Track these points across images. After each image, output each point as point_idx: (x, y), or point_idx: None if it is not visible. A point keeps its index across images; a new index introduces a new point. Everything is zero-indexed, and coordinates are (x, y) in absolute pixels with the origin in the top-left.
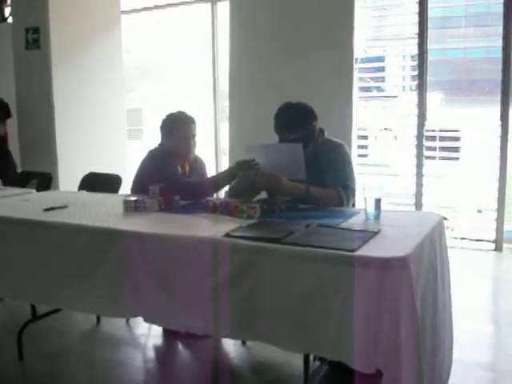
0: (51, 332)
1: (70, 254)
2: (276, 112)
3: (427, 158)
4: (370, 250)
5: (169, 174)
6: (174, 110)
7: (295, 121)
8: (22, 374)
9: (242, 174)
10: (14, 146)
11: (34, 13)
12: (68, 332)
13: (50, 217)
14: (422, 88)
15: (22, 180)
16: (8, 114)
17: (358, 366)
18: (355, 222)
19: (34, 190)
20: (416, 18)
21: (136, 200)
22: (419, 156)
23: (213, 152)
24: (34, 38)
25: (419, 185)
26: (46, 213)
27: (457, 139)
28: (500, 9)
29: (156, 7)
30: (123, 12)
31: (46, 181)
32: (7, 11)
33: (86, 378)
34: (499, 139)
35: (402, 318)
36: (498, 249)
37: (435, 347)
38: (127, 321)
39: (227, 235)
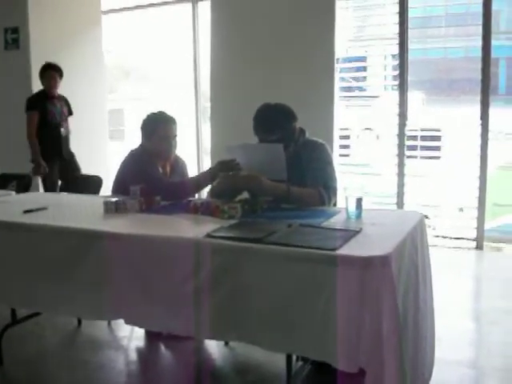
0: (32, 336)
1: (50, 256)
2: (254, 114)
3: (409, 157)
4: (351, 249)
5: (150, 174)
6: (154, 110)
7: (273, 122)
8: (2, 379)
9: (224, 175)
10: None
11: (13, 13)
12: (49, 335)
13: (29, 218)
14: (402, 88)
15: (0, 182)
16: (71, 112)
17: (341, 366)
18: (337, 222)
19: (13, 192)
20: (396, 18)
21: (116, 201)
22: (400, 155)
23: (195, 152)
24: (14, 38)
25: (401, 184)
26: (25, 215)
27: (438, 138)
28: (479, 9)
29: (137, 7)
30: (104, 12)
31: (25, 183)
32: None
33: (67, 381)
34: (479, 138)
35: (384, 316)
36: (479, 247)
37: (417, 345)
38: (109, 323)
39: (208, 235)
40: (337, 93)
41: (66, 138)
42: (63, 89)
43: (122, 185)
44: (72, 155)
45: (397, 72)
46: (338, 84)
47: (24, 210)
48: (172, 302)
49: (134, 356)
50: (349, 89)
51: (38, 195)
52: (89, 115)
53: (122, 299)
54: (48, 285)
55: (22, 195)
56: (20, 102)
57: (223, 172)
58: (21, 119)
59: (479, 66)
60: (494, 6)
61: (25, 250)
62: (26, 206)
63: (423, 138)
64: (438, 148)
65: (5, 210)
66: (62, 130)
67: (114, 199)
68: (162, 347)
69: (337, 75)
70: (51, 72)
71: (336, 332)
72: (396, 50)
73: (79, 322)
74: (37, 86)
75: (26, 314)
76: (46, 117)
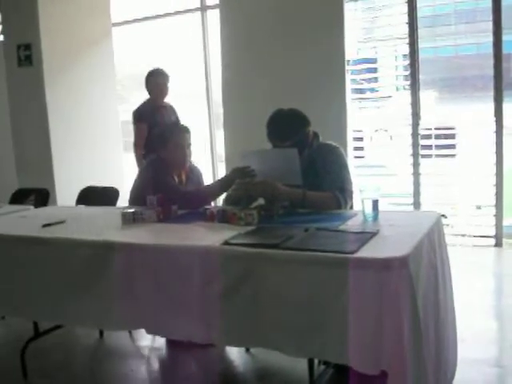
0: (54, 348)
1: (70, 269)
2: (267, 120)
3: (423, 156)
4: (368, 252)
5: (165, 183)
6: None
7: (287, 128)
8: None
9: (239, 182)
10: (10, 163)
11: (25, 29)
12: (71, 347)
13: (48, 232)
14: (414, 87)
15: (19, 197)
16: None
17: (362, 368)
18: (353, 224)
19: (31, 207)
20: (405, 18)
21: (134, 212)
22: (415, 155)
23: (209, 160)
24: (26, 55)
25: (416, 184)
26: (44, 229)
27: (452, 136)
28: (489, 4)
29: (146, 18)
30: (114, 24)
31: (43, 197)
32: None
33: None
34: (494, 134)
35: (404, 317)
36: (498, 244)
37: (439, 345)
38: (130, 333)
39: (226, 243)
40: (348, 95)
41: None
42: (76, 102)
43: (138, 195)
44: None
45: (408, 72)
46: (349, 86)
47: (43, 224)
48: (192, 310)
49: (156, 365)
50: (360, 90)
51: (56, 209)
52: (102, 127)
53: (142, 309)
54: (68, 297)
55: (41, 209)
56: (34, 117)
57: (238, 179)
58: (36, 135)
59: (491, 62)
60: (504, 1)
61: (44, 263)
62: (44, 220)
63: (437, 137)
64: (452, 146)
65: (24, 224)
66: None
67: (131, 210)
68: (184, 355)
69: (348, 77)
70: (160, 78)
71: (356, 335)
72: (406, 49)
73: (101, 333)
74: (50, 99)
75: (48, 327)
76: (157, 128)
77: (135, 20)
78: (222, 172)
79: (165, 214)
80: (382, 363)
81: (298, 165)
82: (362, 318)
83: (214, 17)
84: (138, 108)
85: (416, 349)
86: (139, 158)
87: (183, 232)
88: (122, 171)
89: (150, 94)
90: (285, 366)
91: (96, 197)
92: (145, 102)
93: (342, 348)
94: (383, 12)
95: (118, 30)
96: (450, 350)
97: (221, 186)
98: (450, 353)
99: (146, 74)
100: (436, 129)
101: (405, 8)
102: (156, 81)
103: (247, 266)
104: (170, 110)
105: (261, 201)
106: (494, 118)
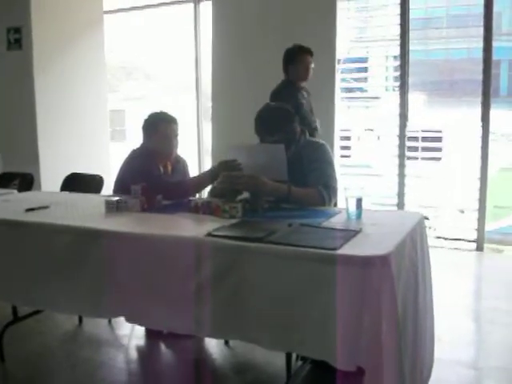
0: (33, 333)
1: (52, 255)
2: (256, 115)
3: (409, 158)
4: (351, 249)
5: (151, 173)
6: (156, 110)
7: (275, 123)
8: (3, 377)
9: (225, 175)
10: None
11: (15, 12)
12: (50, 333)
13: (31, 217)
14: (403, 89)
15: (3, 181)
16: None
17: (339, 365)
18: (337, 222)
19: (15, 191)
20: (398, 20)
21: (118, 200)
22: (401, 156)
23: (196, 152)
24: (16, 38)
25: (401, 185)
26: (27, 213)
27: (439, 139)
28: (480, 10)
29: (139, 7)
30: (106, 12)
31: (27, 181)
32: None
33: (68, 379)
34: (480, 139)
35: (383, 315)
36: (479, 248)
37: (416, 344)
38: (109, 321)
39: (209, 235)
40: (338, 94)
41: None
42: (64, 89)
43: (123, 184)
44: None
45: (398, 73)
46: (339, 85)
47: (26, 209)
48: (173, 301)
49: (134, 354)
50: (350, 90)
51: (40, 194)
52: (90, 115)
53: (122, 297)
54: (49, 283)
55: (24, 194)
56: (22, 101)
57: (224, 172)
58: (23, 119)
59: (481, 67)
60: (496, 8)
61: (26, 248)
62: (27, 205)
63: (424, 139)
64: (438, 149)
65: (7, 208)
66: (316, 126)
67: (115, 198)
68: (162, 346)
69: (338, 76)
70: (309, 57)
71: (335, 331)
72: (397, 51)
73: (80, 319)
74: (38, 84)
75: (27, 311)
76: (299, 112)
77: (127, 8)
78: (208, 164)
79: (149, 204)
80: (359, 360)
81: (284, 161)
82: (342, 314)
83: (207, 9)
84: (279, 90)
85: (393, 347)
86: None
87: (167, 222)
88: (108, 160)
89: (294, 71)
90: (263, 360)
91: (80, 184)
92: (285, 83)
93: (320, 343)
94: (376, 12)
95: (110, 18)
96: (427, 349)
97: (206, 178)
98: (426, 352)
99: (287, 51)
100: (423, 131)
101: (397, 9)
102: (307, 60)
103: (229, 259)
104: (307, 89)
105: (246, 194)
106: (481, 123)
